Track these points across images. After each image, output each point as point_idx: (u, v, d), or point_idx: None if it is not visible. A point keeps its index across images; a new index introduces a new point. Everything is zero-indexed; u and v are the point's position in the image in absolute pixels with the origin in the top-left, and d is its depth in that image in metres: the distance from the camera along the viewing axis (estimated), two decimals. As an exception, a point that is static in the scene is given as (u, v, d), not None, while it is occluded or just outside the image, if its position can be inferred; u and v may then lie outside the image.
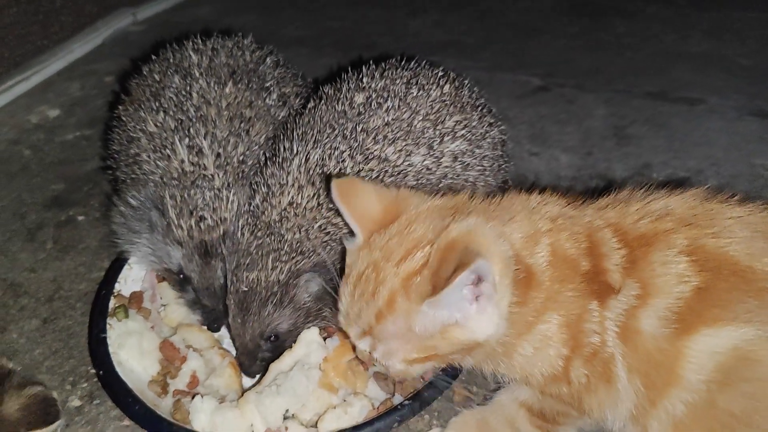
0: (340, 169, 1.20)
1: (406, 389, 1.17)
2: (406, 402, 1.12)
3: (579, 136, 2.09)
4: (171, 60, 1.49)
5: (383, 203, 1.00)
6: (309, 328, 1.20)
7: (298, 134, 1.26)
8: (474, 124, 1.33)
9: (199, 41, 1.53)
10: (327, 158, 1.20)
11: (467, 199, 1.02)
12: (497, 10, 3.10)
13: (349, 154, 1.21)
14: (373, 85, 1.32)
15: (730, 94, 2.30)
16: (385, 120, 1.25)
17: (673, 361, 0.93)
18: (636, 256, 0.95)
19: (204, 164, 1.28)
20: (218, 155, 1.29)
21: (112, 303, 1.31)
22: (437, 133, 1.27)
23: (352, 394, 1.16)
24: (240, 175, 1.31)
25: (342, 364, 1.18)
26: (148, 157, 1.31)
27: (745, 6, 3.02)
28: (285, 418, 1.14)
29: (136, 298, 1.34)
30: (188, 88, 1.38)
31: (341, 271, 1.02)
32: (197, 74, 1.41)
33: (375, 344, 0.93)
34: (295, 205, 1.18)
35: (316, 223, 1.17)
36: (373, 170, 1.21)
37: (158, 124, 1.33)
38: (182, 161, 1.29)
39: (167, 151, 1.30)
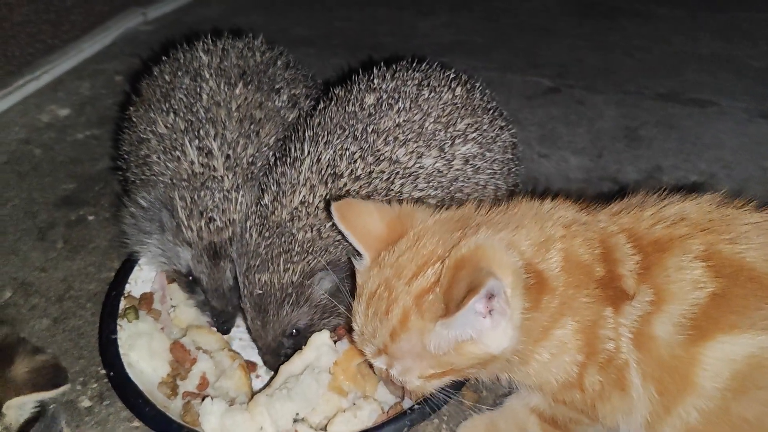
0: (351, 170, 1.19)
1: (414, 393, 1.17)
2: (416, 406, 1.11)
3: (589, 138, 2.08)
4: (181, 60, 1.49)
5: (386, 220, 1.00)
6: (326, 322, 1.21)
7: (309, 135, 1.26)
8: (485, 127, 1.32)
9: (210, 42, 1.53)
10: (338, 159, 1.20)
11: (473, 210, 1.02)
12: (506, 11, 3.09)
13: (360, 155, 1.21)
14: (383, 86, 1.32)
15: (741, 96, 2.29)
16: (396, 121, 1.25)
17: (688, 368, 0.92)
18: (650, 261, 0.95)
19: (214, 165, 1.28)
20: (228, 157, 1.29)
21: (123, 304, 1.31)
22: (448, 135, 1.27)
23: (361, 398, 1.16)
24: (249, 176, 1.31)
25: (352, 368, 1.18)
26: (158, 158, 1.31)
27: (755, 7, 3.00)
28: (294, 421, 1.13)
29: (147, 299, 1.34)
30: (198, 89, 1.38)
31: (352, 275, 1.02)
32: (207, 75, 1.41)
33: (391, 362, 0.93)
34: (307, 204, 1.18)
35: (329, 222, 1.17)
36: (384, 172, 1.21)
37: (168, 126, 1.33)
38: (192, 162, 1.29)
39: (177, 152, 1.30)
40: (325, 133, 1.25)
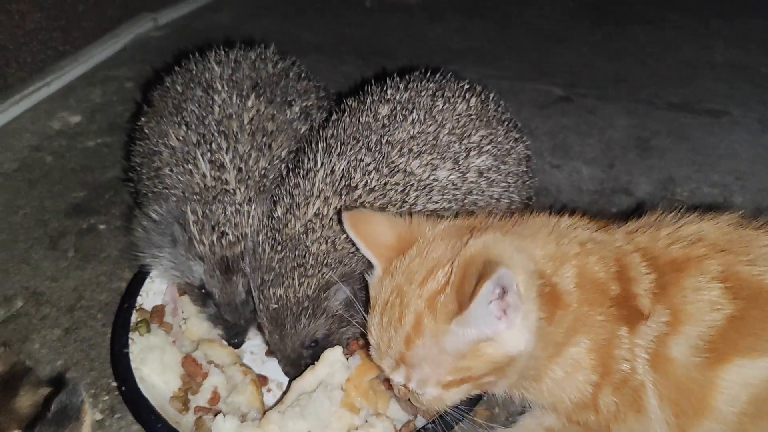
0: (366, 182, 1.19)
1: (428, 411, 1.16)
2: (429, 425, 1.10)
3: (601, 148, 2.06)
4: (194, 71, 1.49)
5: (397, 231, 1.01)
6: (344, 331, 1.21)
7: (322, 146, 1.26)
8: (500, 139, 1.32)
9: (222, 52, 1.52)
10: (353, 170, 1.20)
11: (483, 218, 1.03)
12: (517, 18, 3.08)
13: (374, 167, 1.20)
14: (397, 97, 1.31)
15: (755, 106, 2.27)
16: (411, 133, 1.24)
17: (705, 391, 0.92)
18: (667, 281, 0.94)
19: (226, 179, 1.28)
20: (240, 170, 1.29)
21: (134, 317, 1.30)
22: (463, 147, 1.26)
23: (374, 415, 1.15)
24: (261, 189, 1.30)
25: (364, 383, 1.17)
26: (170, 171, 1.31)
27: (769, 14, 2.98)
28: (306, 437, 1.13)
29: (158, 312, 1.34)
30: (210, 101, 1.37)
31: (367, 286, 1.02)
32: (219, 87, 1.41)
33: (409, 373, 0.93)
34: (321, 216, 1.18)
35: (343, 234, 1.16)
36: (398, 183, 1.20)
37: (180, 138, 1.33)
38: (204, 176, 1.28)
39: (189, 165, 1.30)
40: (339, 144, 1.24)
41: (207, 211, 1.25)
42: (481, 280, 0.81)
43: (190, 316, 1.36)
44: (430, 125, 1.26)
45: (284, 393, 1.20)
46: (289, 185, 1.23)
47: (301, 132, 1.43)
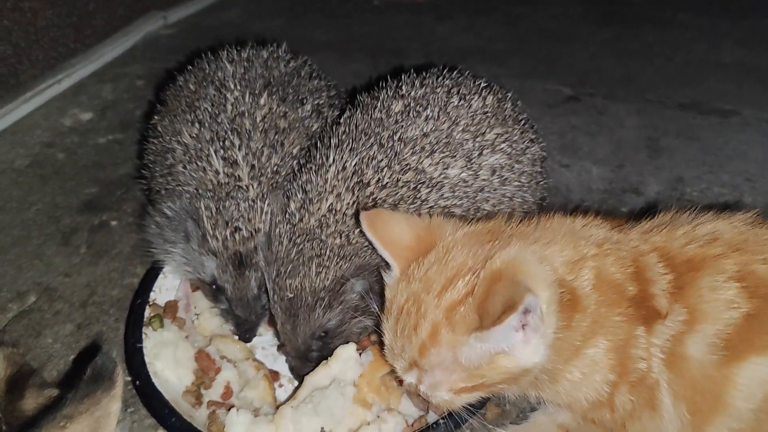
0: (378, 179, 1.19)
1: (439, 408, 1.16)
2: (441, 420, 1.11)
3: (610, 148, 2.06)
4: (206, 70, 1.50)
5: (415, 231, 1.00)
6: (356, 322, 1.20)
7: (334, 142, 1.26)
8: (515, 138, 1.31)
9: (234, 51, 1.53)
10: (365, 166, 1.20)
11: (503, 223, 1.02)
12: (526, 17, 3.08)
13: (386, 164, 1.20)
14: (412, 93, 1.31)
15: (765, 106, 2.26)
16: (424, 130, 1.24)
17: (721, 389, 0.91)
18: (683, 281, 0.94)
19: (238, 175, 1.29)
20: (253, 167, 1.29)
21: (148, 312, 1.31)
22: (476, 145, 1.26)
23: (385, 411, 1.16)
24: (274, 185, 1.31)
25: (376, 380, 1.17)
26: (184, 168, 1.32)
27: (779, 14, 2.97)
28: (319, 432, 1.14)
29: (171, 307, 1.35)
30: (223, 99, 1.38)
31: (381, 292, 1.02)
32: (232, 86, 1.41)
33: (421, 377, 0.93)
34: (334, 212, 1.18)
35: (357, 228, 1.16)
36: (410, 181, 1.20)
37: (193, 136, 1.34)
38: (217, 172, 1.29)
39: (202, 162, 1.30)
40: (350, 140, 1.25)
41: (220, 207, 1.26)
42: (509, 309, 0.80)
43: (202, 311, 1.37)
44: (444, 122, 1.26)
45: (297, 388, 1.20)
46: (302, 180, 1.23)
47: (313, 129, 1.44)
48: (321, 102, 1.52)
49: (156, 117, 1.50)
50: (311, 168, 1.24)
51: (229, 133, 1.32)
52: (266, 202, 1.27)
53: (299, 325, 1.18)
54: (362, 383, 1.16)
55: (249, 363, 1.26)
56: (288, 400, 1.19)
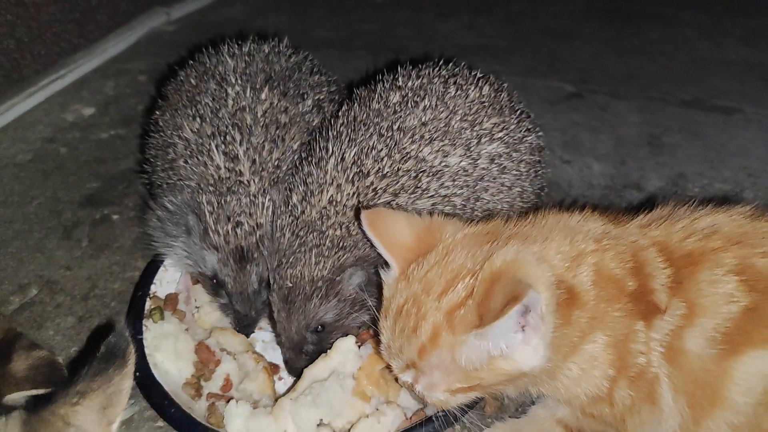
0: (378, 168, 1.19)
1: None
2: (440, 413, 1.11)
3: (612, 144, 2.06)
4: (207, 65, 1.50)
5: (415, 231, 1.00)
6: (354, 317, 1.21)
7: (333, 134, 1.26)
8: (512, 127, 1.31)
9: (235, 46, 1.53)
10: (364, 157, 1.20)
11: (502, 224, 1.02)
12: (528, 14, 3.07)
13: (386, 153, 1.20)
14: (409, 84, 1.31)
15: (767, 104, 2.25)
16: (422, 120, 1.24)
17: (719, 382, 0.91)
18: (682, 275, 0.94)
19: (240, 170, 1.29)
20: (254, 161, 1.29)
21: (148, 304, 1.32)
22: (474, 134, 1.26)
23: (384, 403, 1.16)
24: (275, 180, 1.31)
25: (375, 373, 1.18)
26: (185, 162, 1.32)
27: (782, 12, 2.96)
28: (318, 425, 1.14)
29: (172, 300, 1.35)
30: (224, 94, 1.38)
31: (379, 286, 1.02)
32: (233, 80, 1.41)
33: (418, 377, 0.93)
34: (335, 203, 1.18)
35: (357, 220, 1.17)
36: (410, 170, 1.20)
37: (194, 131, 1.34)
38: (218, 167, 1.29)
39: (204, 157, 1.30)
40: (349, 131, 1.25)
41: (222, 202, 1.26)
42: (511, 302, 0.80)
43: (203, 304, 1.38)
44: (442, 111, 1.26)
45: (296, 381, 1.21)
46: (303, 173, 1.24)
47: (314, 124, 1.44)
48: (322, 97, 1.52)
49: (157, 112, 1.50)
50: (312, 161, 1.24)
51: (230, 128, 1.32)
52: (267, 197, 1.27)
53: (294, 313, 1.18)
54: (361, 376, 1.16)
55: (249, 355, 1.26)
56: (287, 392, 1.19)
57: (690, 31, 2.85)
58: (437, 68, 1.36)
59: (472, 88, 1.31)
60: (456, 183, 1.22)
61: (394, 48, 2.62)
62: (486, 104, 1.30)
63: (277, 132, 1.35)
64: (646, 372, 0.94)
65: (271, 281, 1.21)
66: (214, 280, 1.31)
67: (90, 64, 2.46)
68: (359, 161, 1.19)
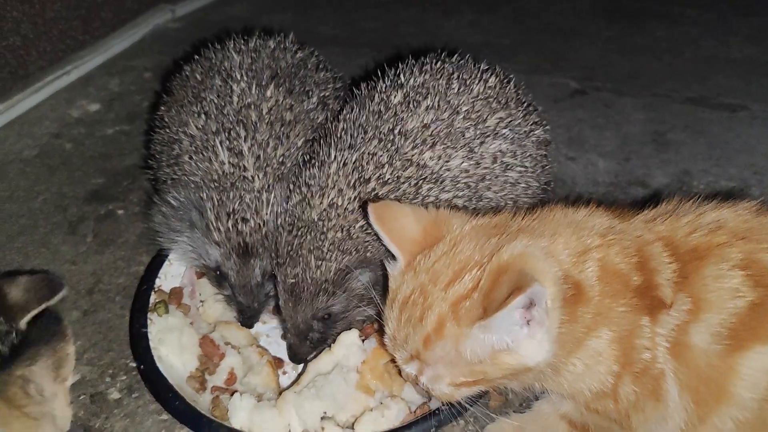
0: (379, 175, 1.19)
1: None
2: (444, 407, 1.11)
3: (617, 142, 2.06)
4: (213, 60, 1.50)
5: (422, 224, 0.99)
6: (360, 311, 1.21)
7: (335, 139, 1.25)
8: (518, 121, 1.30)
9: (241, 41, 1.53)
10: (365, 163, 1.19)
11: (510, 218, 1.01)
12: (533, 12, 3.07)
13: (387, 160, 1.19)
14: (411, 82, 1.30)
15: (774, 102, 2.25)
16: (424, 121, 1.23)
17: (725, 378, 0.91)
18: (688, 270, 0.93)
19: (244, 165, 1.29)
20: (258, 157, 1.29)
21: (153, 298, 1.32)
22: (478, 132, 1.25)
23: (389, 397, 1.16)
24: (279, 176, 1.31)
25: (379, 366, 1.18)
26: (190, 158, 1.32)
27: (788, 11, 2.95)
28: (322, 419, 1.14)
29: (176, 294, 1.36)
30: (230, 90, 1.38)
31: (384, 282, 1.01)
32: (239, 76, 1.41)
33: (422, 368, 0.93)
34: (335, 206, 1.18)
35: (357, 223, 1.17)
36: (411, 177, 1.19)
37: (199, 127, 1.34)
38: (222, 163, 1.29)
39: (208, 153, 1.30)
40: (349, 136, 1.24)
41: (225, 198, 1.26)
42: (515, 292, 0.80)
43: (207, 298, 1.38)
44: (445, 111, 1.24)
45: (300, 374, 1.21)
46: (305, 175, 1.23)
47: (318, 121, 1.44)
48: (327, 94, 1.52)
49: (162, 108, 1.51)
50: (314, 163, 1.24)
51: (236, 124, 1.32)
52: (273, 194, 1.27)
53: (301, 305, 1.18)
54: (365, 370, 1.17)
55: (253, 349, 1.27)
56: (291, 386, 1.19)
57: (695, 30, 2.84)
58: (441, 62, 1.35)
59: (477, 82, 1.30)
60: (457, 186, 1.22)
61: (397, 46, 2.62)
62: (491, 98, 1.28)
63: (282, 129, 1.35)
64: (651, 368, 0.93)
65: (277, 274, 1.21)
66: (218, 272, 1.31)
67: (95, 61, 2.47)
68: (360, 167, 1.19)
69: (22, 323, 0.96)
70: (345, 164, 1.20)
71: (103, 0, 2.53)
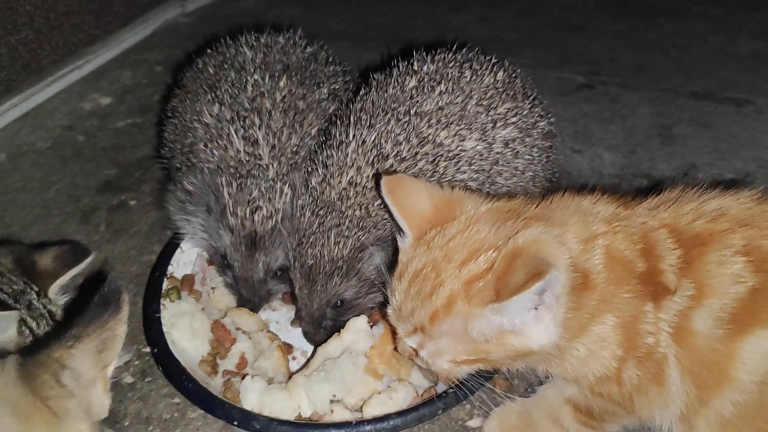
0: (397, 152, 1.21)
1: (448, 378, 1.18)
2: (450, 390, 1.13)
3: (623, 135, 2.07)
4: (226, 55, 1.52)
5: (434, 202, 1.00)
6: (372, 297, 1.23)
7: (353, 119, 1.28)
8: (525, 112, 1.33)
9: (253, 37, 1.56)
10: (383, 141, 1.22)
11: (524, 204, 1.01)
12: (540, 7, 3.08)
13: (404, 137, 1.22)
14: (424, 69, 1.33)
15: (780, 96, 2.25)
16: (439, 104, 1.26)
17: (726, 362, 0.92)
18: (691, 256, 0.94)
19: (259, 154, 1.31)
20: (273, 146, 1.31)
21: (165, 284, 1.35)
22: (489, 118, 1.28)
23: (396, 381, 1.19)
24: (293, 165, 1.33)
25: (387, 351, 1.20)
26: (204, 146, 1.35)
27: (798, 6, 2.95)
28: (331, 402, 1.17)
29: (188, 280, 1.38)
30: (243, 81, 1.41)
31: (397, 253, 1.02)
32: (252, 69, 1.44)
33: (424, 343, 0.93)
34: (354, 185, 1.20)
35: (376, 201, 1.19)
36: (428, 154, 1.22)
37: (214, 115, 1.36)
38: (238, 151, 1.31)
39: (223, 141, 1.33)
40: (368, 116, 1.27)
41: (241, 185, 1.28)
42: (534, 277, 0.81)
43: (218, 285, 1.41)
44: (458, 96, 1.27)
45: (309, 359, 1.24)
46: (323, 156, 1.26)
47: (330, 111, 1.46)
48: (337, 87, 1.54)
49: (175, 99, 1.53)
50: (331, 144, 1.27)
51: (250, 112, 1.34)
52: (288, 183, 1.29)
53: (316, 290, 1.20)
54: (373, 354, 1.19)
55: (263, 334, 1.29)
56: (300, 370, 1.22)
57: (702, 25, 2.84)
58: (452, 54, 1.38)
59: (487, 73, 1.33)
60: (472, 167, 1.24)
61: (407, 41, 2.64)
62: (500, 89, 1.31)
63: (296, 117, 1.37)
64: (654, 352, 0.94)
65: (292, 260, 1.23)
66: (225, 261, 1.34)
67: (107, 55, 2.50)
68: (379, 144, 1.21)
69: (53, 291, 0.98)
70: (364, 142, 1.23)
71: (115, -6, 2.56)
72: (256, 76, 1.41)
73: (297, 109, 1.37)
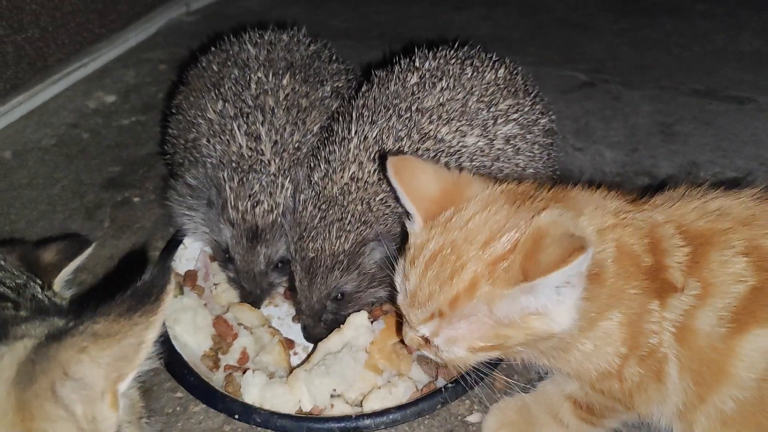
0: (399, 147, 1.22)
1: (448, 373, 1.19)
2: (450, 385, 1.14)
3: (624, 133, 2.07)
4: (230, 52, 1.54)
5: (441, 184, 0.96)
6: (372, 292, 1.24)
7: (355, 116, 1.29)
8: (526, 109, 1.33)
9: (256, 35, 1.57)
10: (385, 137, 1.23)
11: (537, 188, 0.99)
12: (543, 6, 3.08)
13: (406, 133, 1.23)
14: (426, 66, 1.33)
15: (781, 94, 2.25)
16: (440, 100, 1.26)
17: (725, 359, 0.92)
18: (698, 254, 0.93)
19: (261, 149, 1.32)
20: (275, 142, 1.32)
21: (169, 280, 1.35)
22: (490, 114, 1.28)
23: (396, 376, 1.19)
24: (295, 161, 1.34)
25: (387, 347, 1.21)
26: (207, 141, 1.36)
27: (799, 5, 2.94)
28: (331, 396, 1.17)
29: (191, 276, 1.40)
30: (247, 78, 1.42)
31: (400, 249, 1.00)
32: (255, 67, 1.45)
33: (439, 329, 0.90)
34: (356, 180, 1.21)
35: (378, 196, 1.20)
36: (429, 150, 1.23)
37: (217, 111, 1.38)
38: (240, 146, 1.32)
39: (226, 136, 1.34)
40: (370, 113, 1.27)
41: (243, 180, 1.29)
42: (574, 253, 0.78)
43: (220, 281, 1.42)
44: (459, 92, 1.28)
45: (310, 354, 1.25)
46: (325, 152, 1.27)
47: (333, 108, 1.47)
48: (340, 84, 1.55)
49: (179, 96, 1.54)
50: (334, 140, 1.27)
51: (253, 109, 1.35)
52: (288, 179, 1.30)
53: (316, 283, 1.21)
54: (374, 350, 1.20)
55: (265, 329, 1.30)
56: (301, 365, 1.23)
57: (706, 24, 2.84)
58: (453, 51, 1.39)
59: (488, 70, 1.34)
60: (474, 163, 1.25)
61: (409, 39, 2.65)
62: (501, 86, 1.32)
63: (299, 115, 1.38)
64: (656, 351, 0.94)
65: (293, 253, 1.24)
66: (227, 254, 1.35)
67: (112, 54, 2.52)
68: (380, 140, 1.22)
69: (58, 284, 0.98)
70: (365, 138, 1.23)
71: (120, -7, 2.58)
72: (259, 74, 1.43)
73: (300, 107, 1.38)
